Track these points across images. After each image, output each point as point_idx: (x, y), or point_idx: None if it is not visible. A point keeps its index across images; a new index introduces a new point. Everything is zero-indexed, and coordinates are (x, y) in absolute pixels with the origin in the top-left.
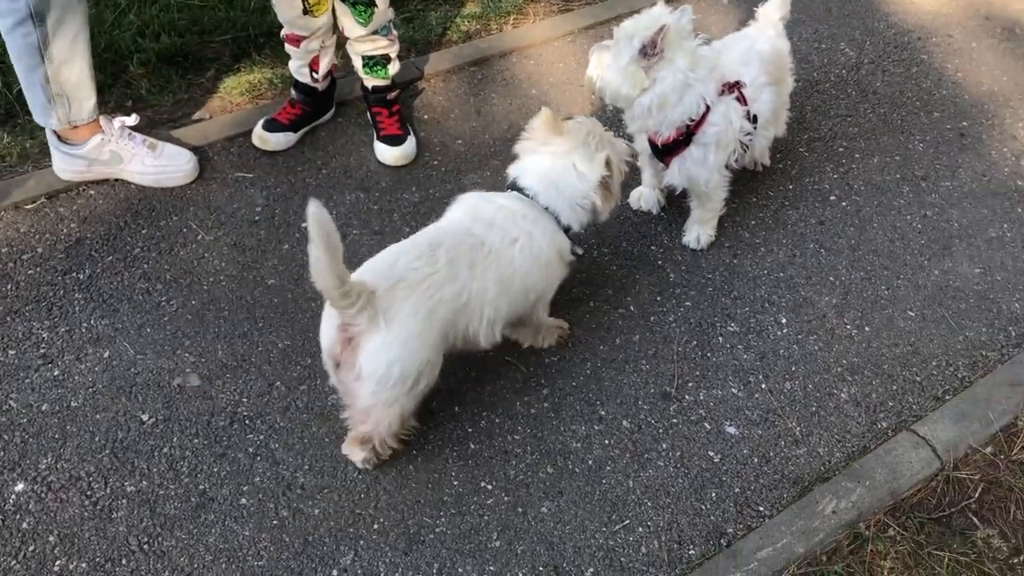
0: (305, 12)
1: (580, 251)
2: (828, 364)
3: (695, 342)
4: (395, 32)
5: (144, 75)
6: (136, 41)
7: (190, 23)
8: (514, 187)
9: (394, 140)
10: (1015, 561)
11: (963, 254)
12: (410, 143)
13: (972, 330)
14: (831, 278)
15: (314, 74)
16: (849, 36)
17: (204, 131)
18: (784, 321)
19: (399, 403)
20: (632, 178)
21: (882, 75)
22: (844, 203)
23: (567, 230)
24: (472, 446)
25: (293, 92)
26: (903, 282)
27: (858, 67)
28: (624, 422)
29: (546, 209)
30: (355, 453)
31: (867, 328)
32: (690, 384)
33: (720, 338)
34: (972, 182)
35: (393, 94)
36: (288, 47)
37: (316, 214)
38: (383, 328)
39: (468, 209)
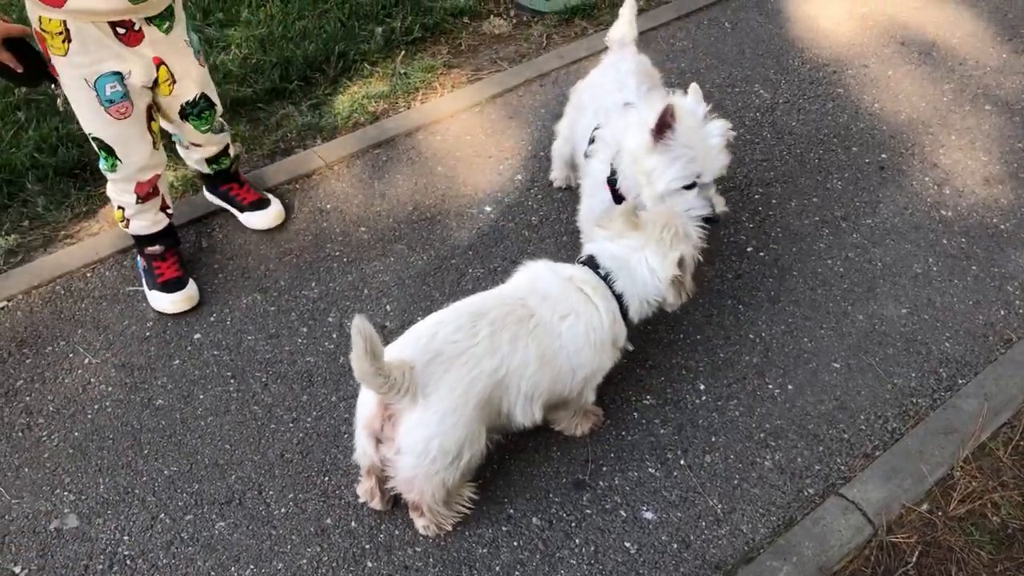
0: (154, 146)
1: (631, 347)
2: (750, 430)
3: (609, 421)
4: (223, 122)
5: (41, 191)
6: (33, 157)
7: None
8: (590, 263)
9: (260, 204)
10: None
11: (888, 295)
12: (276, 201)
13: (901, 376)
14: (751, 335)
15: (168, 210)
16: (763, 77)
17: (95, 246)
18: (703, 387)
19: (439, 475)
20: None
21: (798, 114)
22: (762, 253)
23: (626, 318)
24: (369, 564)
25: (156, 248)
26: (826, 332)
27: (773, 108)
28: (534, 519)
29: (618, 295)
30: (416, 520)
31: (790, 386)
32: (604, 468)
33: (635, 414)
34: (894, 217)
35: (234, 166)
36: (138, 208)
37: (362, 327)
38: (421, 404)
39: (529, 279)
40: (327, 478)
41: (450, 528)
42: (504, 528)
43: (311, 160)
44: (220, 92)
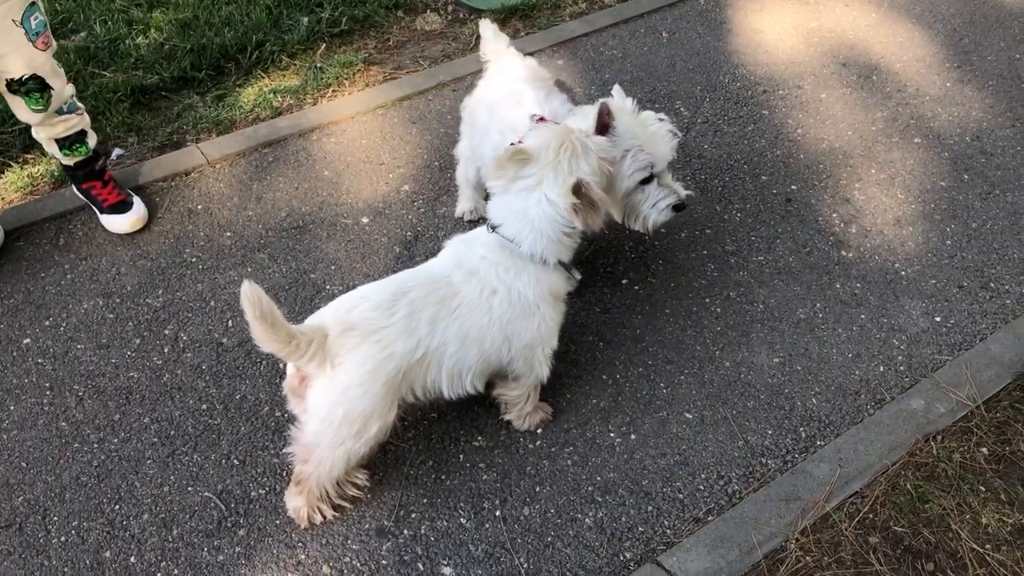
0: None
1: (579, 276)
2: (579, 482)
3: (431, 462)
4: (81, 105)
5: None
6: None
7: None
8: (495, 229)
9: (121, 207)
10: None
11: (763, 341)
12: (139, 204)
13: (756, 433)
14: (604, 376)
15: None
16: (688, 93)
17: None
18: (540, 432)
19: (344, 446)
20: None
21: (713, 136)
22: (637, 287)
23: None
24: None
25: None
26: (687, 378)
27: (689, 128)
28: (324, 568)
29: (531, 255)
30: (291, 500)
31: (633, 436)
32: (414, 515)
33: (461, 455)
34: (789, 255)
35: (100, 163)
36: None
37: (249, 292)
38: (329, 373)
39: (453, 254)
40: (118, 507)
41: (318, 521)
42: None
43: (193, 156)
44: (125, 79)
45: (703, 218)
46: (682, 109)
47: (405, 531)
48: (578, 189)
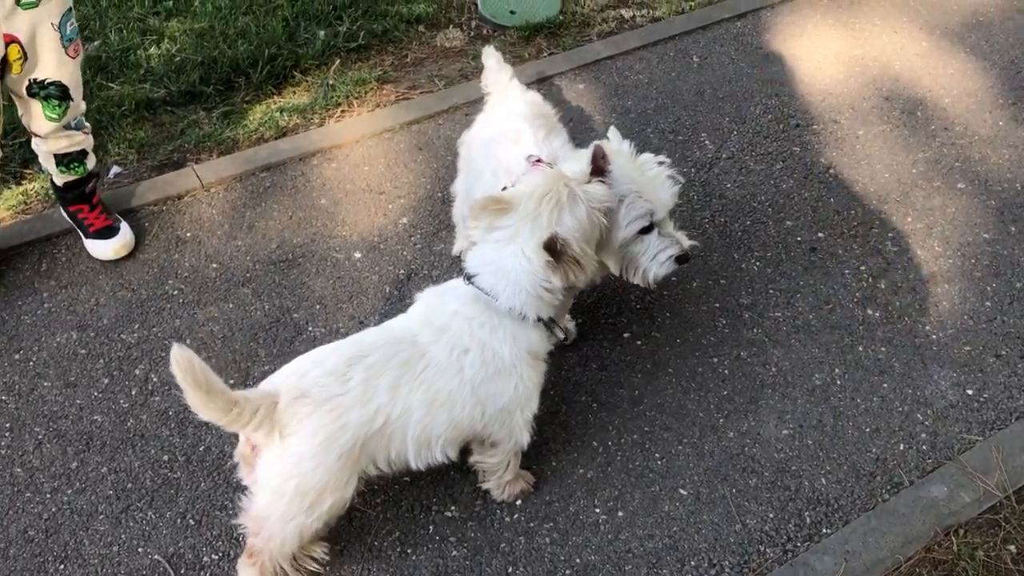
0: None
1: (562, 335)
2: (557, 564)
3: (398, 532)
4: (88, 124)
5: None
6: None
7: None
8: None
9: (107, 232)
10: None
11: (772, 410)
12: (126, 230)
13: (756, 516)
14: (594, 442)
15: None
16: (714, 125)
17: None
18: (519, 503)
19: (296, 521)
20: None
21: (738, 173)
22: (639, 342)
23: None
24: None
25: None
26: (685, 448)
27: (713, 164)
28: None
29: (509, 309)
30: (243, 571)
31: (620, 513)
32: None
33: (431, 527)
34: (809, 312)
35: (91, 185)
36: None
37: (181, 357)
38: (279, 443)
39: (424, 308)
40: (62, 566)
41: None
42: None
43: (188, 179)
44: (132, 92)
45: (718, 266)
46: (707, 142)
47: None
48: (553, 245)
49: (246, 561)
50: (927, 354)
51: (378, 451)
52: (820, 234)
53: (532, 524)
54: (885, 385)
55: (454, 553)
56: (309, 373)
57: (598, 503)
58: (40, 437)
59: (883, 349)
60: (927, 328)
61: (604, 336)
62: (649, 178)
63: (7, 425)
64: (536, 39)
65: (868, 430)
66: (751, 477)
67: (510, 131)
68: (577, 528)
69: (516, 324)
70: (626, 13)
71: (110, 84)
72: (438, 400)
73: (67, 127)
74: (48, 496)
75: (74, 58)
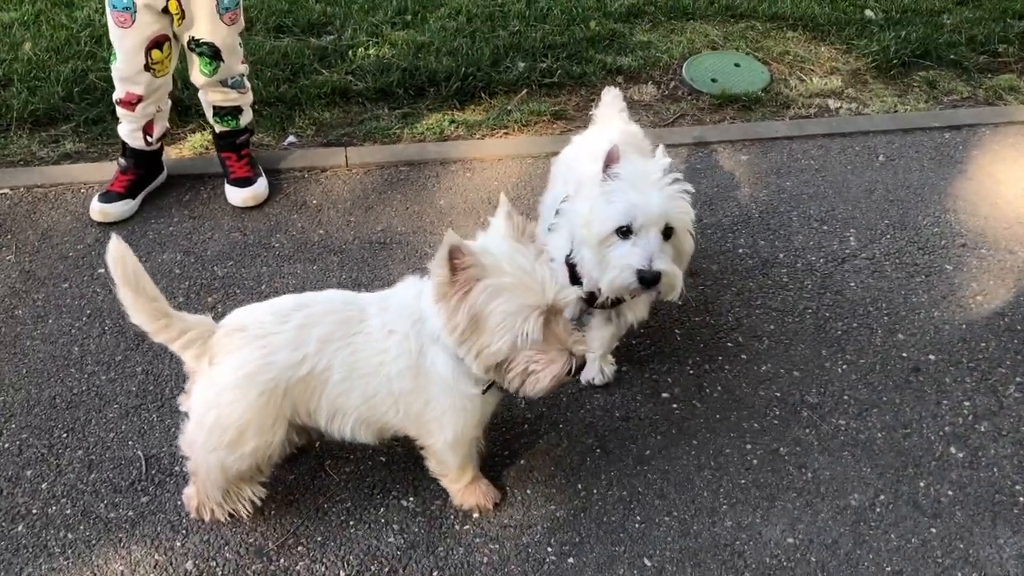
0: (147, 69)
1: (500, 393)
2: None
3: (349, 503)
4: (248, 85)
5: None
6: None
7: None
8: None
9: (243, 182)
10: None
11: (786, 514)
12: (260, 184)
13: None
14: (579, 485)
15: (148, 138)
16: (869, 224)
17: None
18: (475, 516)
19: (216, 454)
20: None
21: (868, 275)
22: (675, 406)
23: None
24: None
25: (122, 160)
26: (671, 521)
27: (847, 260)
28: (188, 563)
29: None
30: (189, 486)
31: (571, 560)
32: (299, 549)
33: (382, 508)
34: (880, 430)
35: (242, 138)
36: (121, 111)
37: (115, 250)
38: (207, 371)
39: (396, 288)
40: (65, 435)
41: (207, 518)
42: None
43: (336, 157)
44: (336, 80)
45: (799, 357)
46: (852, 238)
47: (282, 560)
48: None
49: (193, 479)
50: (1002, 513)
51: (300, 401)
52: (931, 356)
53: (478, 540)
54: (933, 530)
55: (391, 540)
56: (255, 311)
57: (553, 543)
58: (106, 328)
59: (949, 492)
60: (1017, 487)
61: (641, 390)
62: (649, 183)
63: (88, 312)
64: (726, 109)
65: (889, 569)
66: (729, 573)
67: (596, 152)
68: (520, 559)
69: (440, 347)
70: (832, 103)
71: (322, 71)
72: (358, 370)
73: (223, 83)
74: (86, 376)
75: (229, 25)
